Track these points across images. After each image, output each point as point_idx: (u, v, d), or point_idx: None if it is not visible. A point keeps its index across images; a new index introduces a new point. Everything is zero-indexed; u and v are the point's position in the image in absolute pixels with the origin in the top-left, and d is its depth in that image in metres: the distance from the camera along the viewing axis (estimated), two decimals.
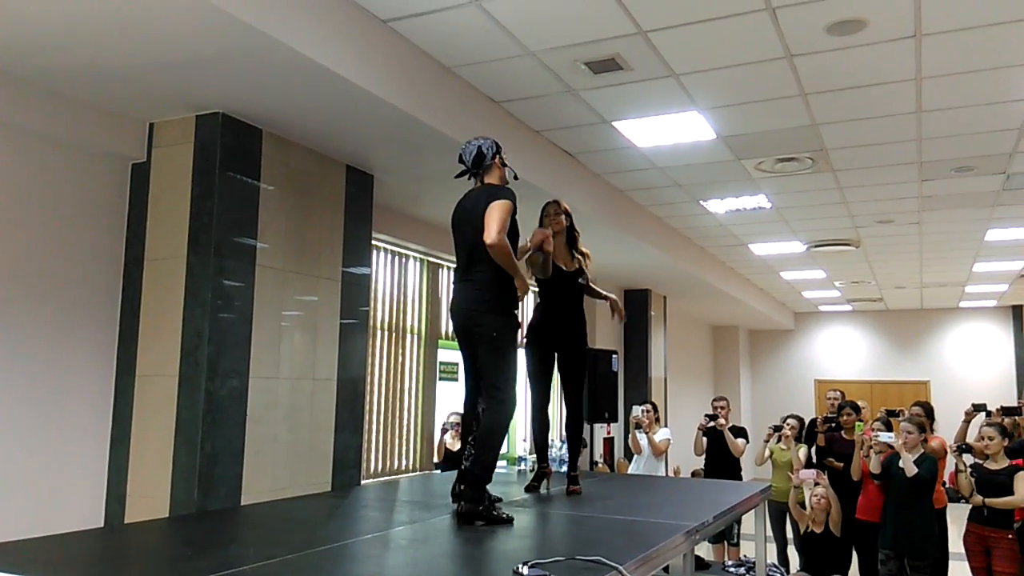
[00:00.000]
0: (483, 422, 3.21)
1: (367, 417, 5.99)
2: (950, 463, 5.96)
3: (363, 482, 5.27)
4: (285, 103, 4.09)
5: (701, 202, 7.45)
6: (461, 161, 3.50)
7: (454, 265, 3.57)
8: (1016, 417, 6.36)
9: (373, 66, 3.96)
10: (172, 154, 4.30)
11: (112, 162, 4.36)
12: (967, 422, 6.64)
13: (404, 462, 6.81)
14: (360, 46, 3.88)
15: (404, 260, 6.87)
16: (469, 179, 3.51)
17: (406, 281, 6.90)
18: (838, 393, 7.46)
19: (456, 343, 3.48)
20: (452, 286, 3.37)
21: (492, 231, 3.14)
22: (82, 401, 4.17)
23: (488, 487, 3.18)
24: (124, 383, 4.27)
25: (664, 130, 5.49)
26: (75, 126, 4.09)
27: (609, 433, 9.56)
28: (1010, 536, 5.40)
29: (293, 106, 4.13)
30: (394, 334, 6.70)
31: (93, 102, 4.11)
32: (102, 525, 4.12)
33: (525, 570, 2.15)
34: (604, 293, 4.28)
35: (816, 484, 6.39)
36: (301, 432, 4.61)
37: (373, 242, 5.64)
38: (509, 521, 3.04)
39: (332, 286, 4.93)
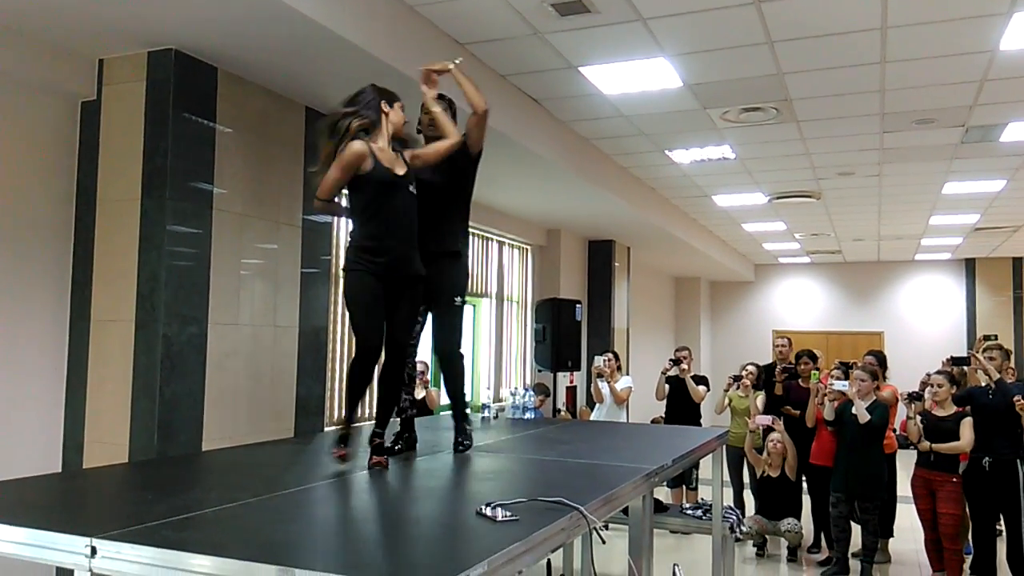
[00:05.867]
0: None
1: (330, 365, 5.96)
2: (902, 411, 6.13)
3: (327, 429, 5.27)
4: (241, 40, 3.95)
5: (666, 152, 7.44)
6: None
7: None
8: (964, 367, 6.55)
9: (333, 2, 3.83)
10: (123, 92, 4.15)
11: (61, 100, 4.19)
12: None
13: (369, 410, 6.82)
14: None
15: None
16: None
17: None
18: (785, 340, 7.51)
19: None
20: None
21: None
22: (36, 346, 4.07)
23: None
24: (79, 328, 4.18)
25: (630, 77, 5.43)
26: (20, 61, 3.91)
27: (572, 382, 9.67)
28: (955, 480, 5.61)
29: (250, 44, 3.99)
30: None
31: (39, 36, 3.93)
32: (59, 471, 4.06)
33: (488, 510, 2.17)
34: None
35: (771, 429, 6.54)
36: (263, 379, 4.58)
37: None
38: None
39: (293, 233, 4.85)
